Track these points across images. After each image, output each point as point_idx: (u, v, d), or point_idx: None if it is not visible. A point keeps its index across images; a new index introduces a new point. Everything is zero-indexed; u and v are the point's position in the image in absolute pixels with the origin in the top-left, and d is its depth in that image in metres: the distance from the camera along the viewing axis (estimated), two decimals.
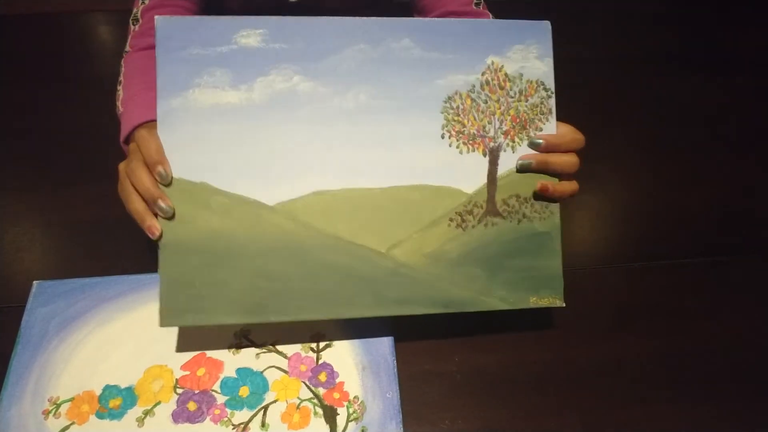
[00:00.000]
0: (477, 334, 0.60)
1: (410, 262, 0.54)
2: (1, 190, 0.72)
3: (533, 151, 0.56)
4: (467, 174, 0.55)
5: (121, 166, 0.55)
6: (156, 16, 0.51)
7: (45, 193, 0.71)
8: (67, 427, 0.51)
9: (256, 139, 0.52)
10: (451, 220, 0.55)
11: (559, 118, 0.57)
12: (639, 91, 0.89)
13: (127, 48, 0.69)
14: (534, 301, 0.56)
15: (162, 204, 0.51)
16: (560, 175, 0.57)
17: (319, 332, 0.57)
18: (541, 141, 0.56)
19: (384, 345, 0.56)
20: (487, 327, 0.60)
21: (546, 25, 0.56)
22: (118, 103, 0.64)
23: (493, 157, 0.56)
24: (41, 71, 0.87)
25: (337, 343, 0.57)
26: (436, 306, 0.55)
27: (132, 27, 0.70)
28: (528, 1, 0.84)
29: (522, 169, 0.56)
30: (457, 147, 0.55)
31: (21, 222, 0.68)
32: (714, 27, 1.02)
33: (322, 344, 0.57)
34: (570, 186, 0.56)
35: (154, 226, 0.51)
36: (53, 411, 0.52)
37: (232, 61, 0.51)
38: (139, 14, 0.70)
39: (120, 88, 0.65)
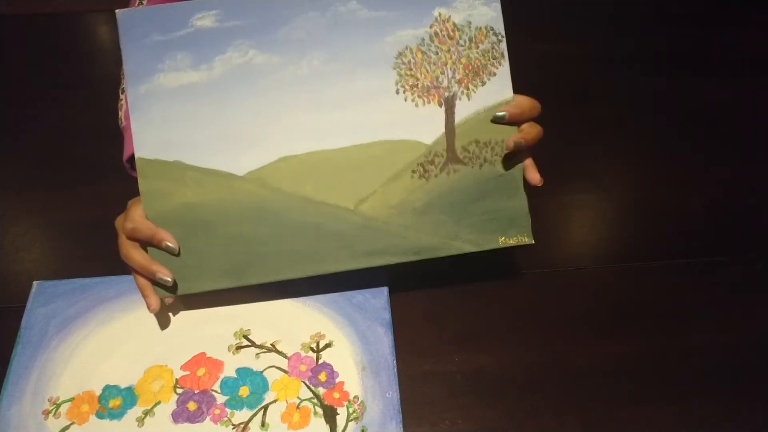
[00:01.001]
0: (477, 334, 0.60)
1: (378, 215, 0.57)
2: (1, 190, 0.72)
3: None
4: (425, 125, 0.57)
5: (118, 222, 0.57)
6: (116, 10, 0.53)
7: (45, 193, 0.71)
8: (67, 427, 0.51)
9: (220, 114, 0.55)
10: (413, 171, 0.57)
11: (559, 117, 0.58)
12: (638, 91, 0.89)
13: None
14: (503, 241, 0.58)
15: (163, 276, 0.54)
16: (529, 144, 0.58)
17: (319, 332, 0.57)
18: (504, 113, 0.57)
19: (384, 345, 0.56)
20: (487, 327, 0.60)
21: None
22: (121, 114, 0.64)
23: (449, 106, 0.57)
24: (41, 71, 0.87)
25: (337, 343, 0.57)
26: (407, 254, 0.57)
27: None
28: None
29: (496, 120, 0.57)
30: (413, 100, 0.57)
31: (21, 222, 0.68)
32: (714, 27, 1.02)
33: (322, 344, 0.57)
34: (536, 129, 0.57)
35: (153, 301, 0.55)
36: (53, 411, 0.52)
37: (190, 44, 0.54)
38: None
39: (123, 97, 0.64)
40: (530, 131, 0.57)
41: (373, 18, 0.56)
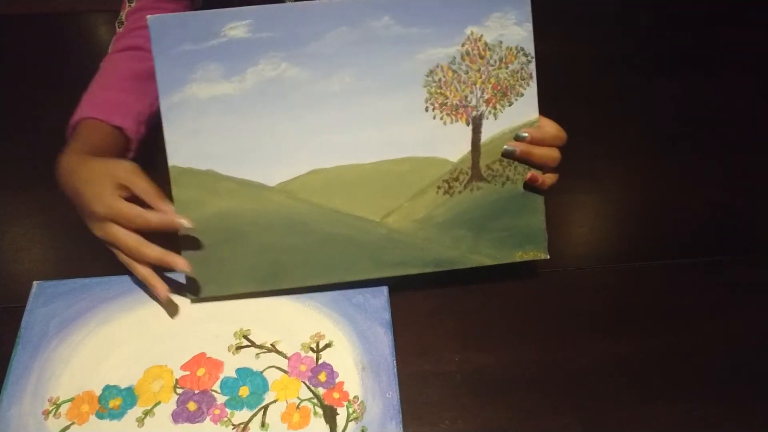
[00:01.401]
0: (477, 334, 0.60)
1: (402, 228, 0.59)
2: (1, 190, 0.72)
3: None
4: (452, 143, 0.58)
5: (98, 232, 0.56)
6: (148, 16, 0.53)
7: (45, 193, 0.71)
8: (67, 428, 0.51)
9: (252, 126, 0.56)
10: (438, 187, 0.59)
11: (559, 117, 0.58)
12: (638, 90, 0.89)
13: (110, 49, 0.70)
14: (519, 256, 0.61)
15: (180, 262, 0.55)
16: (543, 167, 0.60)
17: (319, 332, 0.57)
18: (526, 135, 0.58)
19: (384, 345, 0.56)
20: (487, 327, 0.60)
21: None
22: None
23: (476, 125, 0.58)
24: (41, 71, 0.87)
25: (337, 343, 0.57)
26: (427, 266, 0.60)
27: (117, 30, 0.70)
28: None
29: (506, 154, 0.59)
30: (441, 119, 0.58)
31: (21, 222, 0.68)
32: (714, 27, 1.02)
33: (322, 344, 0.57)
34: (554, 177, 0.60)
35: (163, 288, 0.56)
36: (53, 411, 0.52)
37: (223, 54, 0.54)
38: (124, 17, 0.70)
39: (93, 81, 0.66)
40: (552, 179, 0.60)
41: (406, 35, 0.56)
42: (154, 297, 0.58)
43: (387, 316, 0.58)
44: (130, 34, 0.69)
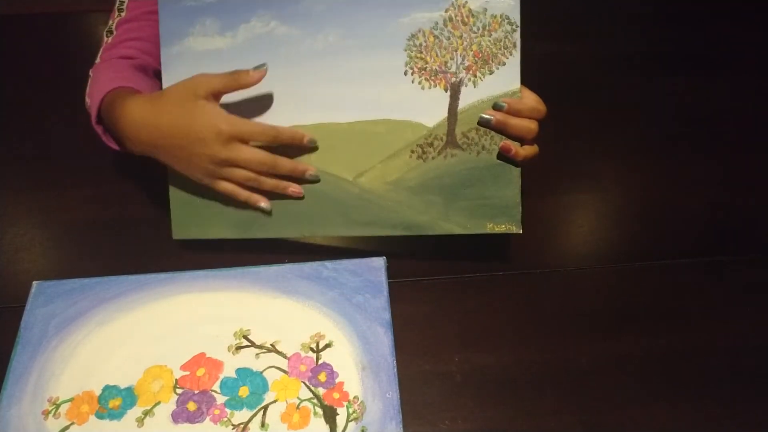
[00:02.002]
0: (477, 334, 0.60)
1: (374, 189, 0.60)
2: (1, 190, 0.72)
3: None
4: (429, 108, 0.59)
5: (222, 153, 0.56)
6: None
7: (45, 193, 0.71)
8: (67, 428, 0.51)
9: None
10: (412, 151, 0.60)
11: (559, 117, 0.58)
12: (638, 90, 0.89)
13: (98, 60, 0.68)
14: (490, 227, 0.60)
15: (312, 173, 0.59)
16: (519, 139, 0.59)
17: (319, 332, 0.57)
18: (504, 104, 0.58)
19: (384, 345, 0.56)
20: (487, 327, 0.60)
21: None
22: (87, 100, 0.64)
23: (454, 91, 0.59)
24: (41, 71, 0.87)
25: (337, 343, 0.57)
26: (397, 228, 0.60)
27: (106, 39, 0.69)
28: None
29: (481, 123, 0.59)
30: (420, 83, 0.58)
31: (20, 222, 0.68)
32: (714, 26, 1.02)
33: (321, 344, 0.57)
34: (531, 150, 0.59)
35: (296, 187, 0.60)
36: (53, 411, 0.52)
37: (220, 11, 0.58)
38: (114, 26, 0.69)
39: (86, 95, 0.65)
40: (527, 151, 0.59)
41: None
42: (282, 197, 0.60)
43: (387, 316, 0.58)
44: (121, 44, 0.68)
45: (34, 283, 0.60)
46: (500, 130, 0.59)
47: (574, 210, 0.72)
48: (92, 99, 0.63)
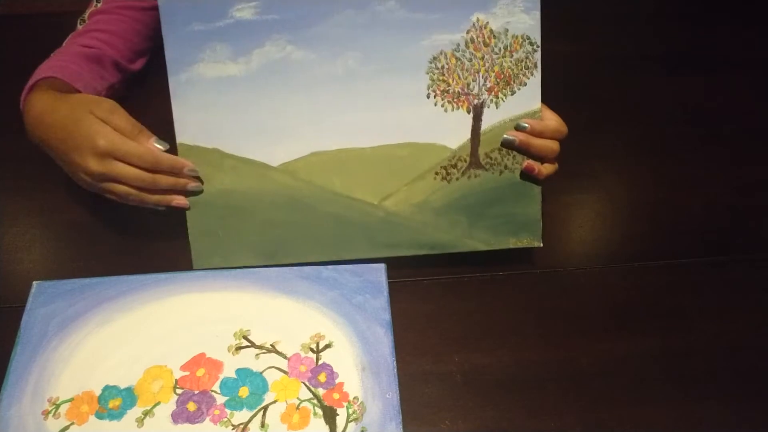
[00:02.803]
0: (477, 334, 0.60)
1: (399, 211, 0.61)
2: (1, 190, 0.72)
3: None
4: (452, 130, 0.59)
5: (95, 167, 0.54)
6: None
7: (45, 193, 0.71)
8: (67, 428, 0.51)
9: (257, 107, 0.58)
10: (436, 173, 0.60)
11: (559, 115, 0.58)
12: (638, 90, 0.89)
13: (63, 44, 0.70)
14: (513, 242, 0.62)
15: (194, 186, 0.58)
16: (541, 159, 0.60)
17: (319, 332, 0.57)
18: (526, 125, 0.59)
19: (384, 345, 0.56)
20: (487, 327, 0.60)
21: None
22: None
23: (477, 113, 0.59)
24: None
25: (336, 344, 0.57)
26: (422, 248, 0.61)
27: (78, 27, 0.71)
28: None
29: (505, 144, 0.60)
30: (442, 105, 0.59)
31: (20, 222, 0.68)
32: (714, 26, 1.02)
33: (321, 345, 0.57)
34: (552, 168, 0.61)
35: (183, 199, 0.58)
36: (53, 411, 0.52)
37: (230, 35, 0.56)
38: (87, 16, 0.71)
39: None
40: (549, 170, 0.60)
41: (411, 19, 0.56)
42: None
43: (387, 316, 0.58)
44: (87, 34, 0.69)
45: (34, 283, 0.60)
46: (523, 150, 0.60)
47: (574, 210, 0.72)
48: (36, 72, 0.64)
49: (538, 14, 0.57)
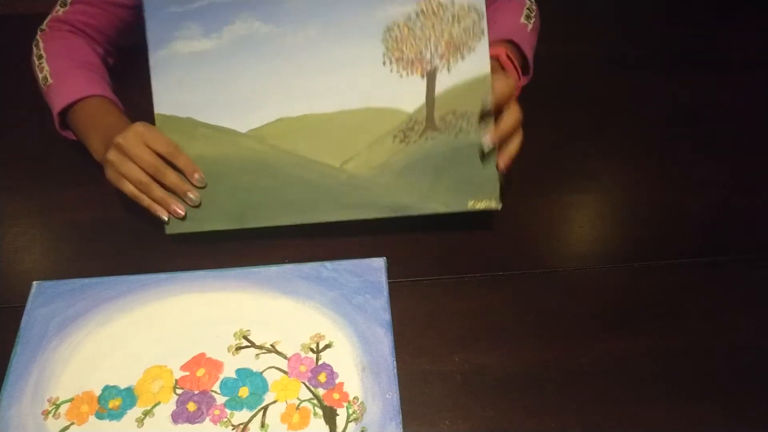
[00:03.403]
0: (477, 334, 0.60)
1: (361, 174, 0.63)
2: (1, 190, 0.72)
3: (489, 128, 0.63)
4: (408, 95, 0.62)
5: (113, 156, 0.61)
6: None
7: (45, 193, 0.71)
8: (67, 428, 0.51)
9: (227, 78, 0.62)
10: (395, 136, 0.63)
11: (559, 117, 0.58)
12: (639, 91, 0.89)
13: (44, 27, 0.73)
14: (472, 204, 0.64)
15: (192, 196, 0.62)
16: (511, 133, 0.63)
17: (319, 333, 0.57)
18: (488, 106, 0.61)
19: (384, 345, 0.56)
20: (487, 327, 0.60)
21: None
22: (45, 74, 0.70)
23: (430, 78, 0.62)
24: None
25: (336, 344, 0.57)
26: (384, 211, 0.63)
27: (57, 7, 0.74)
28: None
29: (483, 155, 0.63)
30: (398, 72, 0.62)
31: (20, 222, 0.68)
32: (714, 27, 1.02)
33: (321, 345, 0.57)
34: (516, 146, 0.63)
35: (179, 207, 0.62)
36: (53, 411, 0.52)
37: (203, 15, 0.61)
38: (70, 0, 0.74)
39: (44, 62, 0.70)
40: (513, 150, 0.63)
41: None
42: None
43: (387, 316, 0.58)
44: (76, 22, 0.74)
45: (34, 283, 0.60)
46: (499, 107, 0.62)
47: (574, 210, 0.72)
48: (63, 91, 0.68)
49: None
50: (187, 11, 0.61)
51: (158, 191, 0.62)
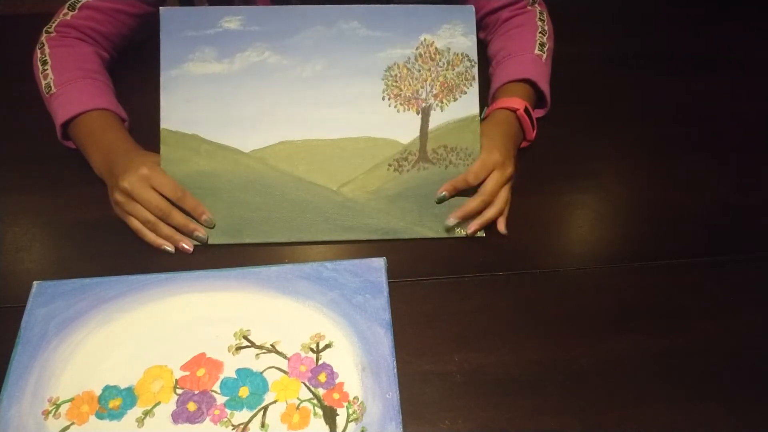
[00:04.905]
0: (477, 334, 0.60)
1: (355, 198, 0.67)
2: (1, 190, 0.72)
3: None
4: (403, 128, 0.68)
5: (119, 197, 0.63)
6: (161, 8, 0.65)
7: (45, 193, 0.71)
8: (67, 428, 0.51)
9: (235, 100, 0.66)
10: (389, 165, 0.68)
11: (559, 117, 0.58)
12: (639, 91, 0.89)
13: (52, 30, 0.73)
14: (458, 231, 0.68)
15: (200, 234, 0.64)
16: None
17: (319, 333, 0.57)
18: (444, 200, 0.67)
19: (384, 345, 0.56)
20: (487, 327, 0.60)
21: (470, 9, 0.68)
22: (48, 81, 0.70)
23: (425, 114, 0.68)
24: None
25: (337, 344, 0.57)
26: (376, 233, 0.67)
27: (65, 11, 0.73)
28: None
29: (439, 201, 0.68)
30: (396, 107, 0.67)
31: (21, 222, 0.68)
32: (714, 27, 1.02)
33: (322, 345, 0.57)
34: (491, 216, 0.67)
35: (187, 242, 0.65)
36: (53, 411, 0.52)
37: (217, 41, 0.66)
38: (78, 5, 0.73)
39: (48, 68, 0.71)
40: (485, 216, 0.67)
41: (370, 36, 0.67)
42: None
43: (387, 316, 0.58)
44: (85, 28, 0.74)
45: (34, 283, 0.60)
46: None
47: (574, 210, 0.72)
48: (66, 102, 0.69)
49: (474, 37, 0.68)
50: (202, 36, 0.65)
51: (166, 229, 0.64)
